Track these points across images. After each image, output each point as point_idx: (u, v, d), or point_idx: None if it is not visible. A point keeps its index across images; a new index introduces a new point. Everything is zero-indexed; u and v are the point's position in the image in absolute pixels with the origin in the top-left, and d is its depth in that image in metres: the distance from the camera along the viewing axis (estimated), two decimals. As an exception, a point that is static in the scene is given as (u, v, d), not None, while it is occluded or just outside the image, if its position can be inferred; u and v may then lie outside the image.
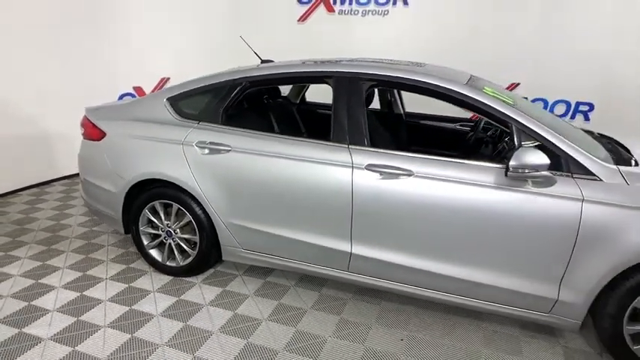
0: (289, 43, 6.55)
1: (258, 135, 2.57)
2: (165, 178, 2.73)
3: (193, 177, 2.66)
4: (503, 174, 2.07)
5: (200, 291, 2.79)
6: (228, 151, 2.58)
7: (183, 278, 2.93)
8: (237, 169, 2.57)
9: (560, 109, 5.83)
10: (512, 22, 5.63)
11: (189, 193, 2.70)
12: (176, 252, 2.90)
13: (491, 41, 5.80)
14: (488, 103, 2.21)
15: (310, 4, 6.59)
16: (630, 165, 2.19)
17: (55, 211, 4.08)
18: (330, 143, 2.42)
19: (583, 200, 2.00)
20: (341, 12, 6.58)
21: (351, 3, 6.54)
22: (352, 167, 2.33)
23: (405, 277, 2.40)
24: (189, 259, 2.87)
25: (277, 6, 6.58)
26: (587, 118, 5.69)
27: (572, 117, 5.78)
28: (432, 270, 2.31)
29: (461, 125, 3.60)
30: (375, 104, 3.75)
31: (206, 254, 2.81)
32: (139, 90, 5.55)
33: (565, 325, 2.19)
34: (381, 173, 2.29)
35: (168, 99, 2.85)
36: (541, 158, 1.97)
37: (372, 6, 6.46)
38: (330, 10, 6.57)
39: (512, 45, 5.73)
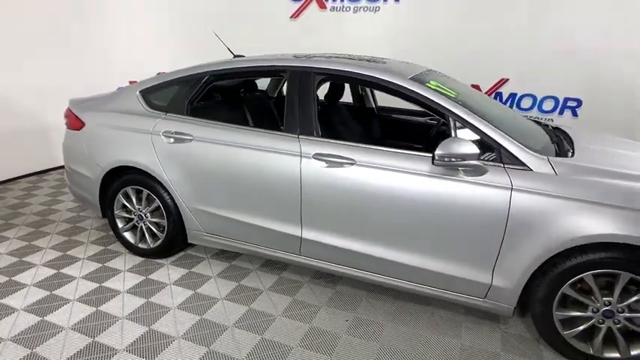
0: (283, 39, 6.68)
1: (218, 125, 2.73)
2: (135, 166, 2.91)
3: (160, 165, 2.83)
4: (433, 164, 2.17)
5: (167, 271, 2.97)
6: (191, 140, 2.75)
7: (154, 260, 3.12)
8: (198, 158, 2.73)
9: (548, 104, 5.84)
10: (502, 20, 5.65)
11: (157, 179, 2.88)
12: (147, 235, 3.09)
13: (480, 38, 5.84)
14: (426, 95, 2.31)
15: (303, 1, 6.70)
16: (566, 156, 2.28)
17: (48, 197, 4.32)
18: (282, 133, 2.56)
19: (512, 189, 2.10)
20: (333, 8, 6.67)
21: (342, 0, 6.63)
22: (300, 156, 2.47)
23: (352, 261, 2.53)
24: (159, 242, 3.05)
25: (271, 3, 6.72)
26: (574, 114, 5.69)
27: (561, 113, 5.79)
28: (375, 254, 2.43)
29: (430, 119, 3.68)
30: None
31: (173, 237, 2.99)
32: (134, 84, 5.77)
33: (500, 310, 2.29)
34: (326, 162, 2.42)
35: (140, 91, 3.03)
36: (468, 148, 2.08)
37: (363, 2, 6.54)
38: (323, 6, 6.67)
39: (501, 41, 5.76)
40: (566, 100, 5.72)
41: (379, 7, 6.49)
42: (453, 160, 2.08)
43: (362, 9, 6.60)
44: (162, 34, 5.85)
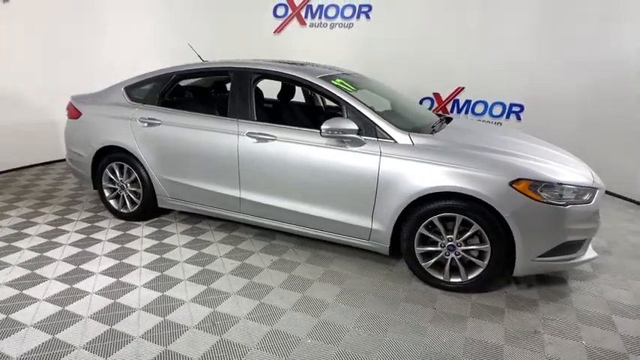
0: (266, 52, 7.52)
1: (180, 112, 3.56)
2: (119, 145, 3.73)
3: (137, 144, 3.65)
4: (321, 135, 2.94)
5: (141, 230, 3.76)
6: (159, 124, 3.57)
7: (133, 222, 3.92)
8: (164, 138, 3.55)
9: (497, 109, 6.58)
10: (456, 35, 6.47)
11: (134, 156, 3.69)
12: (127, 202, 3.90)
13: (439, 51, 6.64)
14: (327, 88, 3.12)
15: (285, 18, 7.60)
16: (430, 133, 3.04)
17: (54, 181, 5.17)
18: (226, 118, 3.37)
19: (381, 155, 2.87)
20: (312, 25, 7.56)
21: (320, 17, 7.50)
22: (238, 134, 3.27)
23: (277, 215, 3.30)
24: (136, 207, 3.86)
25: (256, 19, 7.62)
26: (518, 118, 6.43)
27: (507, 117, 6.54)
28: (293, 209, 3.20)
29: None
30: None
31: (147, 202, 3.79)
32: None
33: (379, 249, 3.04)
34: (256, 138, 3.22)
35: (124, 88, 3.88)
36: (348, 124, 2.87)
37: (338, 19, 7.40)
38: (303, 23, 7.56)
39: (456, 55, 6.55)
40: (512, 105, 6.46)
41: (353, 24, 7.36)
42: (335, 133, 2.87)
43: (337, 25, 7.46)
44: (158, 46, 6.75)
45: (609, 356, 2.29)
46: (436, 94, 7.01)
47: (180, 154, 3.51)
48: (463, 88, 6.79)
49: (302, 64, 3.69)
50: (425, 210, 2.80)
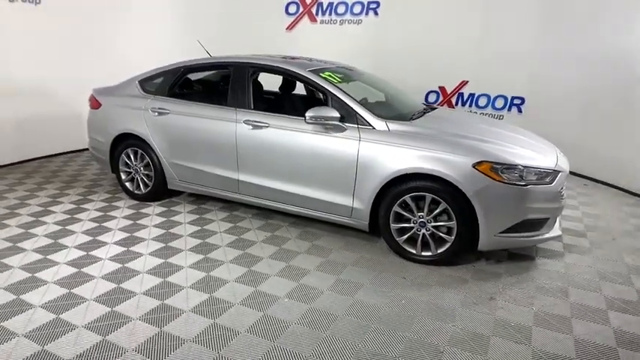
0: (279, 48, 7.83)
1: (186, 102, 3.95)
2: (133, 132, 4.16)
3: (148, 131, 4.07)
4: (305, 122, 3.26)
5: (152, 209, 4.18)
6: (168, 113, 3.97)
7: (146, 202, 4.34)
8: (173, 125, 3.95)
9: (500, 102, 6.74)
10: (461, 30, 6.67)
11: (147, 142, 4.11)
12: (141, 184, 4.32)
13: (444, 45, 6.85)
14: (314, 80, 3.44)
15: (296, 15, 7.94)
16: (407, 120, 3.32)
17: (79, 167, 5.68)
18: (226, 107, 3.73)
19: (360, 140, 3.17)
20: (322, 22, 7.87)
21: (330, 14, 7.79)
22: (236, 122, 3.63)
23: (271, 195, 3.65)
24: (149, 189, 4.28)
25: (268, 17, 7.98)
26: (520, 111, 6.57)
27: (509, 110, 6.69)
28: (283, 189, 3.55)
29: None
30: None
31: (158, 184, 4.20)
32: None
33: (360, 225, 3.35)
34: (252, 125, 3.57)
35: (138, 81, 4.29)
36: (330, 112, 3.18)
37: (348, 16, 7.68)
38: (313, 20, 7.88)
39: (460, 49, 6.75)
40: (513, 98, 6.61)
41: (362, 20, 7.63)
42: (318, 120, 3.18)
43: (347, 21, 7.74)
44: (177, 43, 7.19)
45: (554, 319, 2.54)
46: (442, 88, 7.22)
47: (187, 140, 3.90)
48: (467, 81, 6.97)
49: (295, 59, 4.01)
50: (398, 190, 3.09)
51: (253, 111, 3.62)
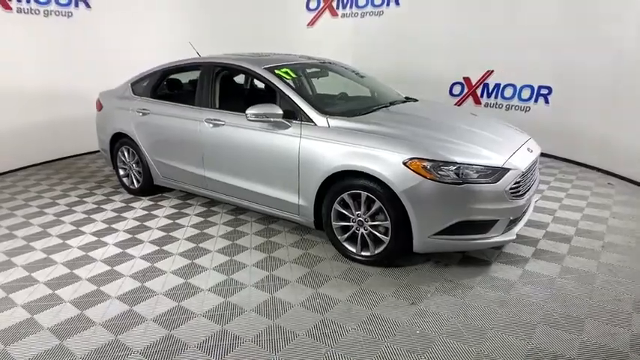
0: (301, 44, 7.80)
1: (162, 103, 4.17)
2: (122, 132, 4.48)
3: (134, 131, 4.35)
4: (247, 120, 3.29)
5: (142, 202, 4.48)
6: (149, 113, 4.22)
7: (139, 196, 4.66)
8: (153, 125, 4.19)
9: (526, 93, 6.22)
10: (486, 18, 6.30)
11: (134, 140, 4.40)
12: (134, 179, 4.64)
13: (468, 34, 6.49)
14: (265, 76, 3.46)
15: (317, 11, 7.93)
16: (358, 115, 3.22)
17: (100, 165, 6.21)
18: (193, 106, 3.88)
19: (301, 137, 3.14)
20: (343, 15, 7.79)
21: (351, 7, 7.70)
22: (200, 121, 3.76)
23: (230, 191, 3.74)
24: (140, 184, 4.58)
25: (290, 13, 8.05)
26: (547, 101, 6.01)
27: (536, 100, 6.16)
28: (240, 185, 3.62)
29: None
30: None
31: (146, 180, 4.49)
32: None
33: (306, 223, 3.33)
34: (212, 123, 3.68)
35: (130, 83, 4.60)
36: (272, 109, 3.18)
37: (369, 8, 7.54)
38: (334, 14, 7.82)
39: (485, 38, 6.36)
40: (540, 88, 6.08)
41: (383, 11, 7.46)
42: (260, 117, 3.20)
43: (368, 14, 7.61)
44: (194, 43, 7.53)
45: (469, 331, 2.34)
46: (466, 79, 6.84)
47: (164, 138, 4.13)
48: (492, 71, 6.52)
49: (263, 55, 4.04)
50: (337, 187, 3.02)
51: (213, 109, 3.74)
